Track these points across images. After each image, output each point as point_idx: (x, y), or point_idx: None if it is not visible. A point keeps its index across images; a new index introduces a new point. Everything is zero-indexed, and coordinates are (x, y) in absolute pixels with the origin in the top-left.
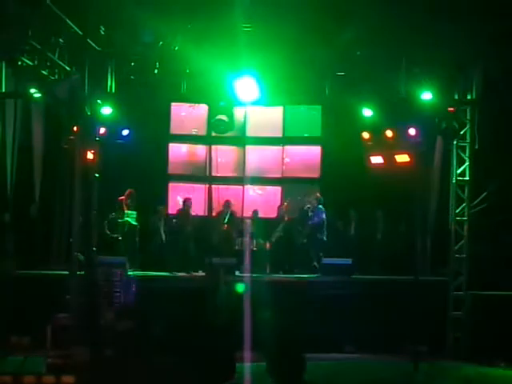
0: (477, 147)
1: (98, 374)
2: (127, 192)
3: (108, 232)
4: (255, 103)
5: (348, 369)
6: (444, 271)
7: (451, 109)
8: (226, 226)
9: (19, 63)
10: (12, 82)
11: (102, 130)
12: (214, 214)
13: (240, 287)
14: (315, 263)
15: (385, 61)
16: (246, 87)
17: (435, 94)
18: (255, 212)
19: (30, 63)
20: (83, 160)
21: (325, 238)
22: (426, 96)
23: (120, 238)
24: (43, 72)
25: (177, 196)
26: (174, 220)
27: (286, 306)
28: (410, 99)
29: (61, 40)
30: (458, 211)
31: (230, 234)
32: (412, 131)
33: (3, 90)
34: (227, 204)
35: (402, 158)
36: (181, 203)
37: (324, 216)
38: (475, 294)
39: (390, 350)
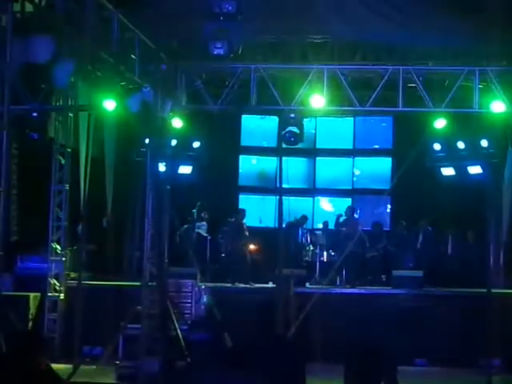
0: None
1: None
2: (198, 204)
3: (180, 244)
4: (325, 114)
5: (419, 382)
6: None
7: None
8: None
9: (92, 76)
10: (85, 95)
11: (173, 143)
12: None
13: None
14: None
15: (457, 72)
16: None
17: (508, 105)
18: (325, 223)
19: (103, 76)
20: (155, 172)
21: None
22: (499, 107)
23: (194, 251)
24: (116, 85)
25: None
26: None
27: (357, 319)
28: (483, 110)
29: (133, 53)
30: None
31: (300, 246)
32: (484, 143)
33: (77, 103)
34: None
35: (475, 169)
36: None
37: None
38: None
39: (462, 363)
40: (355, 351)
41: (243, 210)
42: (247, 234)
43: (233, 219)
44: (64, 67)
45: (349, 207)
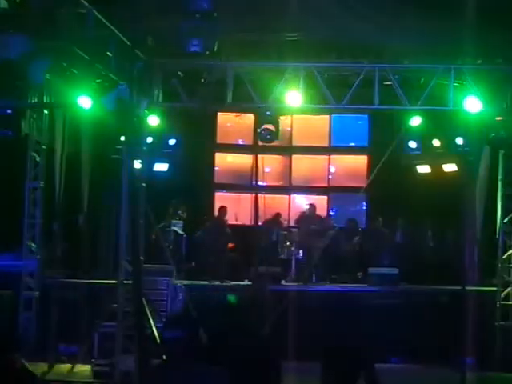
0: None
1: (143, 383)
2: (174, 201)
3: (155, 241)
4: (301, 112)
5: (393, 379)
6: (492, 281)
7: (499, 118)
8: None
9: (67, 73)
10: (61, 92)
11: (149, 140)
12: (260, 223)
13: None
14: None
15: (432, 70)
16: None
17: (483, 104)
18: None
19: (79, 73)
20: (131, 169)
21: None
22: (474, 105)
23: (170, 247)
24: (91, 82)
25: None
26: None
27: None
28: (458, 108)
29: (109, 50)
30: (505, 221)
31: (276, 243)
32: (459, 140)
33: (52, 100)
34: (277, 217)
35: (450, 167)
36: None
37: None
38: None
39: (436, 361)
40: (332, 349)
41: (225, 208)
42: (228, 231)
43: (214, 216)
44: (39, 64)
45: (310, 204)
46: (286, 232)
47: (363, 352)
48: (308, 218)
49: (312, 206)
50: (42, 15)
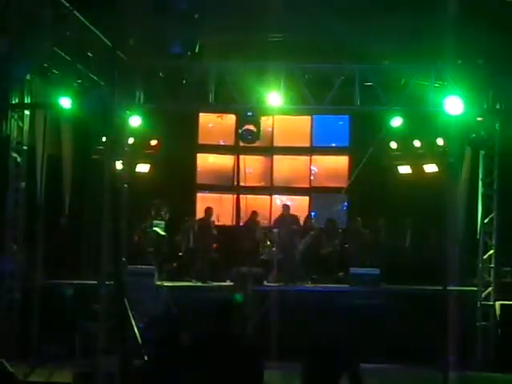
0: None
1: (125, 383)
2: (156, 202)
3: (137, 242)
4: (283, 112)
5: (375, 379)
6: (473, 281)
7: (480, 118)
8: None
9: (48, 74)
10: (41, 93)
11: (131, 141)
12: (241, 223)
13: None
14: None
15: (413, 70)
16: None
17: (464, 104)
18: None
19: (60, 74)
20: (112, 170)
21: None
22: (455, 106)
23: (152, 248)
24: (72, 83)
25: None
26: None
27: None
28: (438, 109)
29: (90, 51)
30: (486, 221)
31: (257, 244)
32: (440, 141)
33: (33, 101)
34: (254, 215)
35: (430, 167)
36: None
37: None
38: (504, 305)
39: (418, 360)
40: (312, 349)
41: (211, 208)
42: (215, 232)
43: (200, 217)
44: (20, 65)
45: (284, 205)
46: (265, 231)
47: (346, 351)
48: (286, 218)
49: (286, 207)
50: (23, 16)
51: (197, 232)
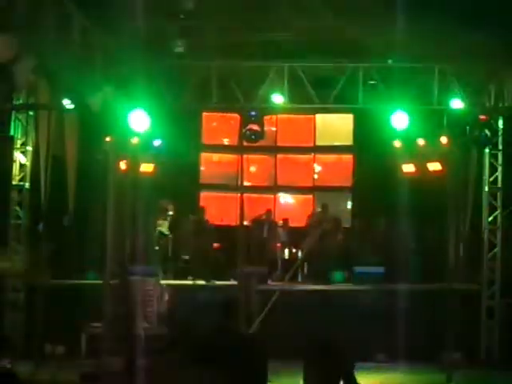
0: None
1: (131, 383)
2: (160, 202)
3: (142, 242)
4: (286, 111)
5: (380, 377)
6: (477, 280)
7: (483, 117)
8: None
9: (53, 75)
10: (46, 94)
11: (135, 141)
12: (247, 222)
13: None
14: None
15: (417, 69)
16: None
17: (467, 103)
18: (286, 221)
19: (65, 75)
20: (116, 170)
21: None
22: (458, 105)
23: (156, 247)
24: (77, 84)
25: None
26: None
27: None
28: (442, 108)
29: (95, 52)
30: (490, 219)
31: (264, 242)
32: (444, 140)
33: (36, 102)
34: (268, 213)
35: (434, 166)
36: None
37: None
38: (508, 303)
39: (422, 358)
40: (314, 347)
41: (203, 208)
42: (211, 230)
43: (194, 217)
44: (24, 66)
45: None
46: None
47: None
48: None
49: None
50: (26, 16)
51: (194, 232)
